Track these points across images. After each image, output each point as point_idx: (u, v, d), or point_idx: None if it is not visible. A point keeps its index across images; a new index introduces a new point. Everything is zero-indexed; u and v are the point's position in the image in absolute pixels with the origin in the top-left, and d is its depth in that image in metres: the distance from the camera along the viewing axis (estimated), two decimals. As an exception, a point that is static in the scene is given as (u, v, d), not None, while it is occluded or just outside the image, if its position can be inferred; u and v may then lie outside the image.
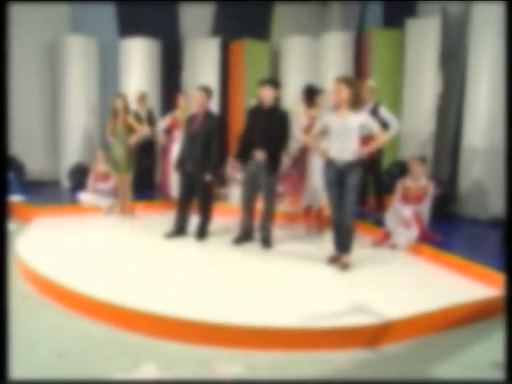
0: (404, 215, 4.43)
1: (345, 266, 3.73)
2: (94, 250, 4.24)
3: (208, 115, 4.57)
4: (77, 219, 5.49)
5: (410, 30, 6.97)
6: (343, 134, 3.66)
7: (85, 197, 5.97)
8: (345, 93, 3.56)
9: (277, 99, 4.31)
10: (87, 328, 2.80)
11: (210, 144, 4.50)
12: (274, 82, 4.33)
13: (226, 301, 3.00)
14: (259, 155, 4.19)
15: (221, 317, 2.69)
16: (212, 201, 4.81)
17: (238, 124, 7.92)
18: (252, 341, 2.54)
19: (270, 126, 4.19)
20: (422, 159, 4.59)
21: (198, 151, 4.50)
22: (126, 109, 5.48)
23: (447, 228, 5.01)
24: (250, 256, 4.15)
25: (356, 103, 3.63)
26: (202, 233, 4.68)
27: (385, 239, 4.49)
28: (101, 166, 6.02)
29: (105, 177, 6.01)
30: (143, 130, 5.57)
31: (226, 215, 5.64)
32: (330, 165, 3.76)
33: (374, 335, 2.59)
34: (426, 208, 4.57)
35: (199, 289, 3.25)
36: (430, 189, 4.56)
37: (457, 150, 6.27)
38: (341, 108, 3.66)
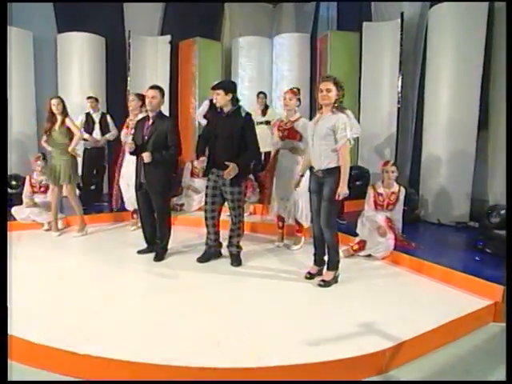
0: (379, 223, 4.23)
1: (325, 283, 3.42)
2: (34, 281, 3.51)
3: (160, 117, 4.04)
4: (12, 238, 4.73)
5: (368, 34, 6.88)
6: (316, 140, 3.36)
7: (21, 212, 5.23)
8: (334, 94, 3.24)
9: (234, 102, 3.85)
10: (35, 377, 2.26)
11: (165, 148, 3.94)
12: (225, 85, 3.88)
13: (202, 337, 2.53)
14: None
15: (204, 358, 2.25)
16: (169, 216, 4.21)
17: (188, 126, 7.46)
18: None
19: (231, 133, 3.77)
20: (395, 165, 4.41)
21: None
22: (64, 112, 4.83)
23: (415, 233, 4.87)
24: (219, 277, 3.67)
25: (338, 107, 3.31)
26: (160, 252, 4.13)
27: (360, 249, 4.26)
28: (39, 177, 5.33)
29: (43, 188, 5.32)
30: (80, 135, 4.98)
31: (185, 227, 5.21)
32: (312, 173, 3.46)
33: (381, 362, 2.29)
34: (399, 214, 4.41)
35: (167, 323, 2.73)
36: (402, 194, 4.40)
37: (417, 154, 6.22)
38: (326, 110, 3.33)
